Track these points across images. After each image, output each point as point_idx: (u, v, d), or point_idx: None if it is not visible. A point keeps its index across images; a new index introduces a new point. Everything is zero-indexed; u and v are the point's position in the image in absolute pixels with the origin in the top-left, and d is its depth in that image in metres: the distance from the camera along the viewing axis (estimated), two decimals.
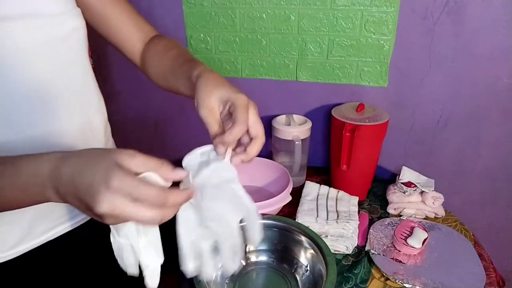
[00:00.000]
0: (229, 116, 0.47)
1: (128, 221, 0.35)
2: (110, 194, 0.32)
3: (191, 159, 0.46)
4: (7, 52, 0.47)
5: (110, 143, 0.68)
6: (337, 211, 0.84)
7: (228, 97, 0.46)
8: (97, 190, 0.32)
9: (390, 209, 0.89)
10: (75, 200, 0.35)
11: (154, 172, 0.36)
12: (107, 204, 0.32)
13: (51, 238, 0.57)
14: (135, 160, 0.35)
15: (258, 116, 0.47)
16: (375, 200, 0.94)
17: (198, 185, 0.43)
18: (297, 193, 0.90)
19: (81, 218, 0.61)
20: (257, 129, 0.46)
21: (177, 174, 0.38)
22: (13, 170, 0.38)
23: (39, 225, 0.55)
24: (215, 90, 0.47)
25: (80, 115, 0.57)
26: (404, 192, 0.88)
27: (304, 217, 0.81)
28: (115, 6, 0.62)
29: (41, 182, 0.37)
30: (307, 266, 0.69)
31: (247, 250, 0.74)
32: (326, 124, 1.06)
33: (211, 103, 0.46)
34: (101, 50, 1.15)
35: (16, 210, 0.51)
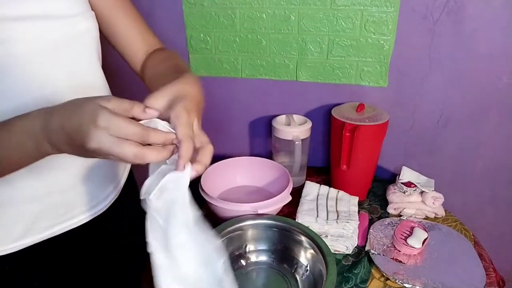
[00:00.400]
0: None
1: (115, 156, 0.37)
2: (99, 132, 0.35)
3: (150, 184, 0.42)
4: (18, 51, 0.47)
5: None
6: (337, 211, 0.84)
7: (176, 104, 0.42)
8: (86, 129, 0.35)
9: (390, 209, 0.89)
10: (68, 147, 0.39)
11: (127, 112, 0.39)
12: (96, 141, 0.35)
13: (55, 234, 0.58)
14: (111, 103, 0.38)
15: (199, 126, 0.46)
16: (375, 200, 0.94)
17: (162, 209, 0.42)
18: (297, 193, 0.89)
19: (86, 216, 0.62)
20: (202, 139, 0.45)
21: (148, 114, 0.40)
22: (6, 131, 0.41)
23: (43, 220, 0.56)
24: (173, 91, 0.44)
25: None
26: (404, 192, 0.88)
27: (304, 217, 0.81)
28: (123, 15, 0.63)
29: (34, 138, 0.39)
30: (307, 266, 0.69)
31: (247, 250, 0.74)
32: (326, 124, 1.06)
33: (162, 96, 0.43)
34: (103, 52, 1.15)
35: (19, 204, 0.53)
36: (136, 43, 0.65)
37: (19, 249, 0.55)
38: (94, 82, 0.60)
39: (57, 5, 0.51)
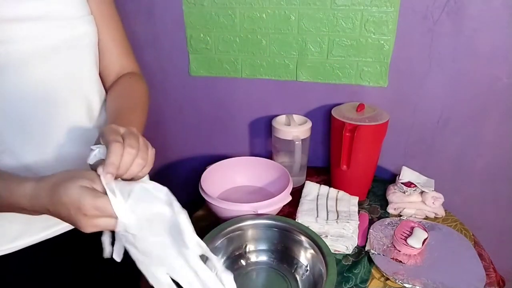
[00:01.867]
0: None
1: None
2: (90, 219, 0.38)
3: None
4: (15, 52, 0.48)
5: None
6: (337, 211, 0.84)
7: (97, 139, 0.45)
8: (77, 219, 0.39)
9: (390, 209, 0.89)
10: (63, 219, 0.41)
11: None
12: (91, 226, 0.39)
13: (51, 236, 0.58)
14: (91, 182, 0.40)
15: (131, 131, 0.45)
16: (375, 200, 0.94)
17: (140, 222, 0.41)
18: (297, 193, 0.90)
19: None
20: (130, 142, 0.43)
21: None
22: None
23: (38, 221, 0.55)
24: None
25: (85, 117, 0.58)
26: (404, 192, 0.88)
27: (304, 217, 0.81)
28: (106, 31, 0.63)
29: (18, 201, 0.42)
30: (307, 266, 0.69)
31: (247, 250, 0.74)
32: (326, 124, 1.06)
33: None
34: None
35: None
36: (111, 63, 0.66)
37: (15, 250, 0.55)
38: (90, 85, 0.60)
39: (56, 7, 0.51)
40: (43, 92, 0.51)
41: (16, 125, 0.50)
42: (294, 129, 0.93)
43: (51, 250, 0.59)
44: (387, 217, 0.87)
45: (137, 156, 0.42)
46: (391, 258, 0.73)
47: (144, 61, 1.08)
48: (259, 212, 0.75)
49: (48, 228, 0.57)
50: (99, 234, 0.64)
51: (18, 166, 0.52)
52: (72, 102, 0.55)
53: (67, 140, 0.55)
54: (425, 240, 0.74)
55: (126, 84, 0.65)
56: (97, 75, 0.62)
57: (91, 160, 0.43)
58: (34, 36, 0.49)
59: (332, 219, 0.80)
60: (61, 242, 0.60)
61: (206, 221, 0.85)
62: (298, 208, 0.85)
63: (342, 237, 0.77)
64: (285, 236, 0.73)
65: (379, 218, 0.87)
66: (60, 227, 0.59)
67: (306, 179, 1.00)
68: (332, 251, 0.73)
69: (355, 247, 0.77)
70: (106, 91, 0.66)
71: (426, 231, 0.76)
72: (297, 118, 1.00)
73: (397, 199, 0.88)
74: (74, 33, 0.54)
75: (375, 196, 0.96)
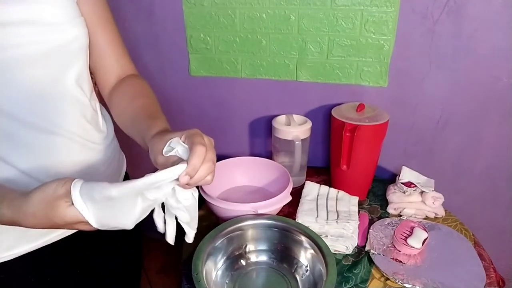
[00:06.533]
0: None
1: None
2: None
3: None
4: (6, 56, 0.47)
5: (113, 145, 0.68)
6: (337, 211, 0.84)
7: (179, 135, 0.48)
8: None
9: (390, 209, 0.89)
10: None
11: None
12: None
13: (51, 242, 0.57)
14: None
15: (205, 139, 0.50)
16: (375, 200, 0.94)
17: None
18: (297, 193, 0.90)
19: None
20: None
21: None
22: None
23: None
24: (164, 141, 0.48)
25: (77, 121, 0.57)
26: (404, 192, 0.88)
27: (304, 217, 0.81)
28: (103, 32, 0.61)
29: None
30: (307, 266, 0.69)
31: (247, 250, 0.74)
32: (326, 124, 1.06)
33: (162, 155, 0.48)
34: None
35: None
36: (111, 66, 0.64)
37: (12, 257, 0.54)
38: (80, 89, 0.58)
39: (44, 11, 0.50)
40: (32, 98, 0.50)
41: (6, 132, 0.50)
42: (294, 129, 0.93)
43: (50, 256, 0.58)
44: (387, 217, 0.87)
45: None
46: (391, 258, 0.73)
47: (144, 61, 1.08)
48: (259, 212, 0.75)
49: (45, 234, 0.56)
50: (98, 238, 0.64)
51: (16, 174, 0.51)
52: (62, 106, 0.54)
53: (60, 145, 0.55)
54: (425, 240, 0.74)
55: (139, 86, 0.63)
56: (88, 78, 0.61)
57: (167, 152, 0.47)
58: (23, 42, 0.47)
59: (332, 219, 0.80)
60: (60, 247, 0.59)
61: (206, 221, 0.85)
62: (298, 208, 0.85)
63: (342, 237, 0.77)
64: (285, 236, 0.73)
65: (379, 218, 0.87)
66: (57, 233, 0.58)
67: (306, 179, 1.00)
68: (332, 251, 0.73)
69: (355, 247, 0.77)
70: (105, 95, 0.65)
71: (426, 231, 0.76)
72: (297, 118, 1.00)
73: (397, 199, 0.88)
74: (64, 37, 0.52)
75: (375, 196, 0.96)
